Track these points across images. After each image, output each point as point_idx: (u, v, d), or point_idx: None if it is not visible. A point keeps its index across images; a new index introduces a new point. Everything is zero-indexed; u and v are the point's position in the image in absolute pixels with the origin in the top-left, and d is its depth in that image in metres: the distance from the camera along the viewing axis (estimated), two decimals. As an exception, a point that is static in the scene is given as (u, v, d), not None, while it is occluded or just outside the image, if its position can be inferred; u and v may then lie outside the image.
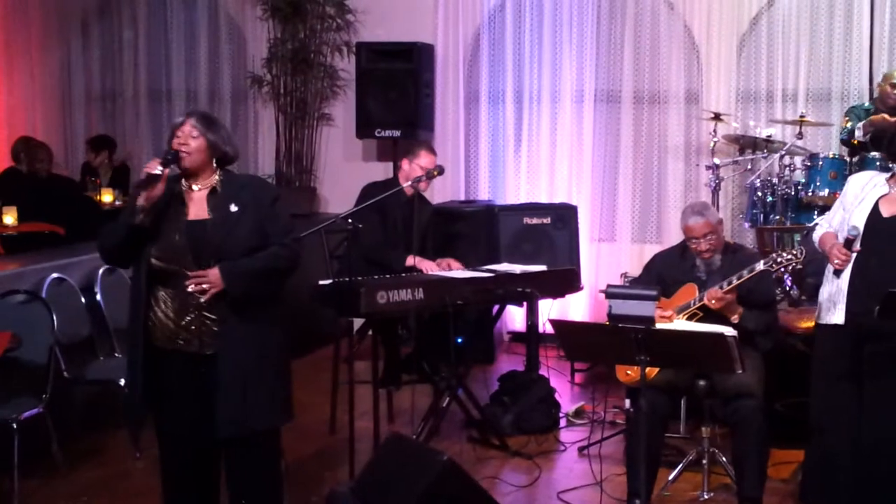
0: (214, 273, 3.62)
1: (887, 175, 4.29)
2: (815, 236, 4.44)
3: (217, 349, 3.70)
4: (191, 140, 3.72)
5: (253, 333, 3.73)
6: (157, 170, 3.62)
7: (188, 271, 3.65)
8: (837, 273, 4.19)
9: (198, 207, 3.75)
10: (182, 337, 3.72)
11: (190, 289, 3.63)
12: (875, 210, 4.18)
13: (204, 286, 3.62)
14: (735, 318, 4.60)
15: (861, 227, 4.13)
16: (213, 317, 3.70)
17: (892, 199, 4.18)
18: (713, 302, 4.58)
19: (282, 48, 8.21)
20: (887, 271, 4.07)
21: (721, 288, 4.57)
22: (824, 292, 4.31)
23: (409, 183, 5.69)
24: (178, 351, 3.73)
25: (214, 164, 3.78)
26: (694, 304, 4.68)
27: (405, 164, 5.83)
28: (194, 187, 3.77)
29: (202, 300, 3.64)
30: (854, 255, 4.13)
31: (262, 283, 3.73)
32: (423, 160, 5.79)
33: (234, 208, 3.72)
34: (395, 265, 5.60)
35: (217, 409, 3.69)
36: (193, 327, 3.70)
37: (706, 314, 4.64)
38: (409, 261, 5.58)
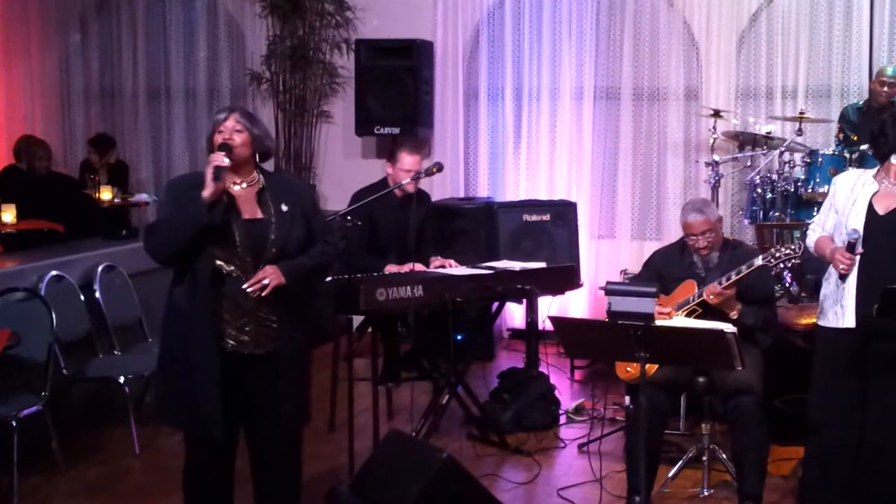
0: (273, 269, 3.62)
1: (873, 172, 4.24)
2: (809, 241, 4.39)
3: (275, 349, 3.71)
4: (235, 135, 3.68)
5: (302, 333, 3.81)
6: (225, 161, 3.59)
7: (243, 271, 3.64)
8: (843, 277, 4.12)
9: (250, 206, 3.71)
10: (236, 338, 3.69)
11: (249, 290, 3.62)
12: (870, 209, 4.13)
13: (264, 282, 3.61)
14: (734, 314, 4.60)
15: (861, 229, 4.08)
16: (271, 317, 3.69)
17: (884, 196, 4.14)
18: (712, 297, 4.58)
19: (281, 45, 8.21)
20: (892, 269, 4.01)
21: (720, 283, 4.57)
22: (828, 295, 4.25)
23: (394, 187, 5.63)
24: (234, 352, 3.69)
25: (256, 160, 3.77)
26: (693, 300, 4.68)
27: (389, 168, 5.77)
28: (238, 185, 3.71)
29: (263, 294, 3.62)
30: (857, 257, 4.07)
31: (314, 281, 3.85)
32: (406, 162, 5.70)
33: (285, 208, 3.71)
34: (372, 272, 5.48)
35: (280, 407, 3.73)
36: (249, 328, 3.69)
37: (706, 310, 4.63)
38: (390, 269, 5.50)
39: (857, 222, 4.11)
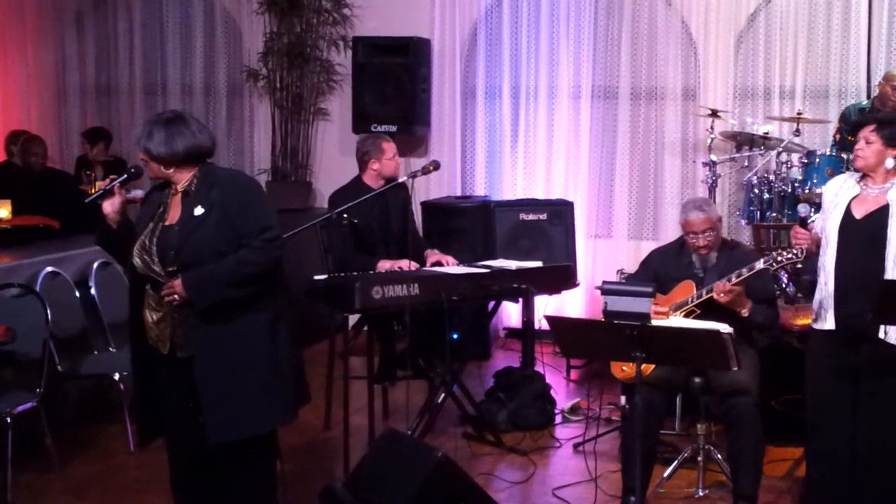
0: (178, 283, 3.60)
1: (857, 176, 4.28)
2: None
3: (190, 353, 3.67)
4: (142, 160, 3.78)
5: (229, 337, 3.65)
6: (115, 184, 3.75)
7: (160, 277, 3.66)
8: (826, 281, 4.20)
9: (174, 211, 3.73)
10: (156, 338, 3.72)
11: (165, 297, 3.64)
12: (847, 212, 4.18)
13: (175, 296, 3.61)
14: (745, 312, 4.57)
15: (834, 231, 4.15)
16: (191, 321, 3.64)
17: (862, 200, 4.19)
18: (722, 296, 4.53)
19: (278, 42, 8.19)
20: (870, 270, 4.07)
21: (730, 281, 4.54)
22: (816, 299, 4.32)
23: (390, 185, 5.59)
24: (158, 352, 3.74)
25: (189, 164, 3.71)
26: (692, 301, 4.66)
27: (374, 164, 5.71)
28: (176, 189, 3.75)
29: (174, 304, 3.64)
30: (831, 259, 4.15)
31: (229, 290, 3.62)
32: (389, 151, 5.68)
33: (198, 211, 3.64)
34: (365, 271, 5.44)
35: (201, 415, 3.66)
36: (165, 329, 3.70)
37: (705, 311, 4.62)
38: (383, 265, 5.47)
39: (833, 225, 4.17)
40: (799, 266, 5.14)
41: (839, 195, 4.27)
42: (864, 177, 4.24)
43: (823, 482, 4.36)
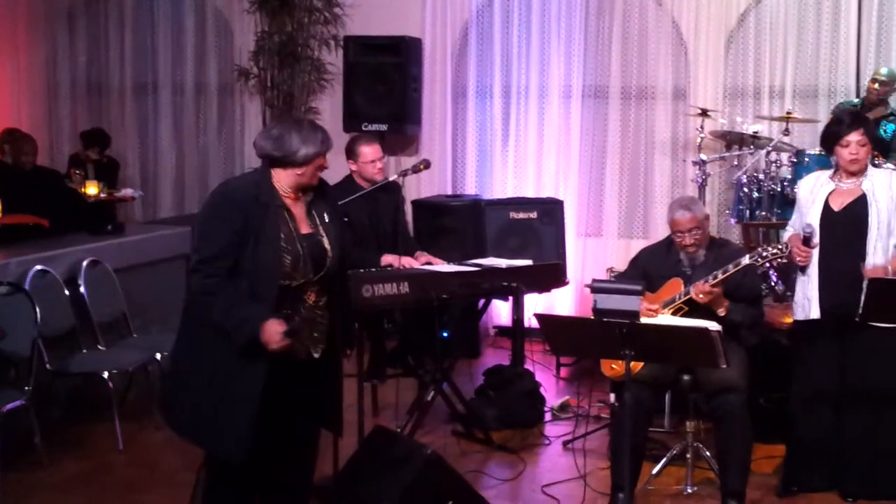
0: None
1: (830, 172, 4.62)
2: (784, 238, 4.74)
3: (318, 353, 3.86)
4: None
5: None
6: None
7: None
8: (804, 270, 4.53)
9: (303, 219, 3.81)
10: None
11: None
12: (826, 206, 4.51)
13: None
14: (722, 312, 4.61)
15: (816, 225, 4.47)
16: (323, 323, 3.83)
17: (839, 193, 4.53)
18: (700, 296, 4.57)
19: (269, 41, 8.17)
20: (851, 260, 4.42)
21: (707, 282, 4.58)
22: (798, 290, 4.64)
23: (381, 182, 5.59)
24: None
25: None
26: (679, 298, 4.68)
27: (352, 166, 5.70)
28: (299, 196, 3.79)
29: None
30: (814, 250, 4.47)
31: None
32: (367, 154, 5.63)
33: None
34: (368, 265, 5.45)
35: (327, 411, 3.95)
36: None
37: (692, 308, 4.64)
38: (385, 259, 5.45)
39: (814, 220, 4.49)
40: (787, 264, 5.19)
41: (814, 192, 4.58)
42: (836, 172, 4.57)
43: (804, 469, 4.66)
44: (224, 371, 3.60)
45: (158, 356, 5.64)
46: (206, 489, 3.88)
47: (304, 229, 3.70)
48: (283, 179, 3.67)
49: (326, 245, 3.72)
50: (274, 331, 3.51)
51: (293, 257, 3.62)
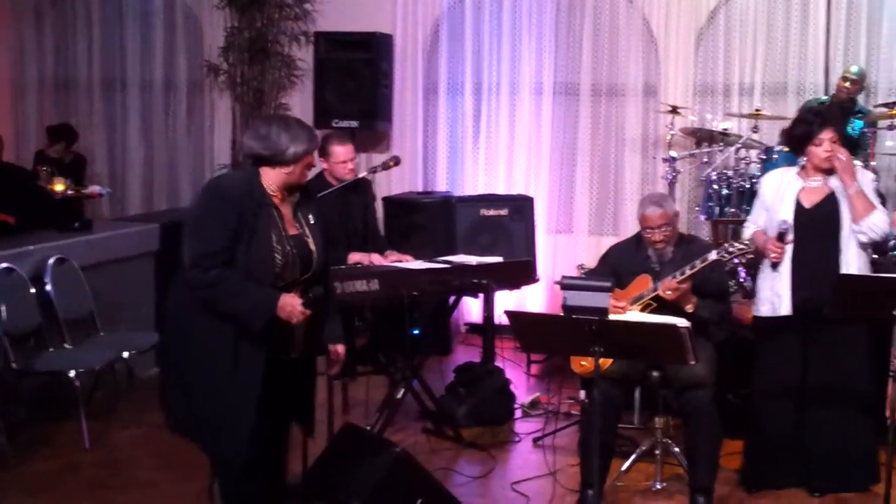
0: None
1: (796, 170, 4.63)
2: (746, 236, 4.75)
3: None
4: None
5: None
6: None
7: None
8: (775, 266, 4.55)
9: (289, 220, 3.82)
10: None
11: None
12: (798, 204, 4.54)
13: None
14: (690, 308, 4.63)
15: (791, 222, 4.49)
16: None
17: (809, 191, 4.57)
18: (668, 293, 4.60)
19: (239, 37, 8.14)
20: (823, 257, 4.48)
21: (674, 278, 4.59)
22: (764, 286, 4.64)
23: (352, 179, 5.57)
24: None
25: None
26: (647, 294, 4.70)
27: (324, 164, 5.67)
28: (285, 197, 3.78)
29: None
30: (788, 247, 4.49)
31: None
32: (339, 154, 5.57)
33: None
34: (336, 264, 5.41)
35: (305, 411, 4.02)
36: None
37: (661, 305, 4.65)
38: (353, 258, 5.44)
39: (787, 216, 4.51)
40: (755, 260, 5.21)
41: (782, 189, 4.59)
42: (802, 169, 4.59)
43: (766, 464, 4.71)
44: (222, 371, 3.59)
45: (126, 354, 5.60)
46: (224, 496, 3.89)
47: (292, 230, 3.70)
48: (271, 179, 3.65)
49: (312, 246, 3.73)
50: (293, 304, 3.56)
51: (283, 258, 3.62)
